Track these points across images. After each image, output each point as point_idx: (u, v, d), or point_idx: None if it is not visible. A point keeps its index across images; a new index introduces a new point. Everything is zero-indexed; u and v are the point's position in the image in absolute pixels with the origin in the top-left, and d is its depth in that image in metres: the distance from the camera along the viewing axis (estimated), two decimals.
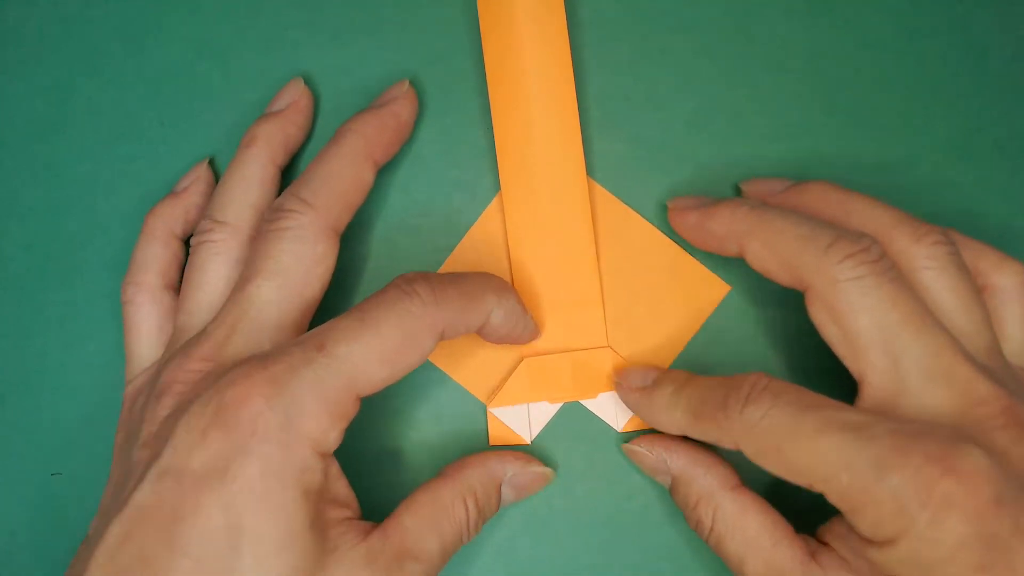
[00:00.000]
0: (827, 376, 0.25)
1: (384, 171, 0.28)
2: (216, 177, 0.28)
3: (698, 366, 0.27)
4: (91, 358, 0.28)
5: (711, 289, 0.27)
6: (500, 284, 0.24)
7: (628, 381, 0.26)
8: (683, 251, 0.27)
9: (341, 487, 0.22)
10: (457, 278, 0.23)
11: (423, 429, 0.27)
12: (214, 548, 0.19)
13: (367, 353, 0.21)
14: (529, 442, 0.27)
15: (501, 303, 0.23)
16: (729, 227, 0.24)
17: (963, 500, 0.18)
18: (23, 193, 0.28)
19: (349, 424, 0.21)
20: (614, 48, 0.28)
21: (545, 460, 0.27)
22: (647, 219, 0.27)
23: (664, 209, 0.27)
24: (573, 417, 0.27)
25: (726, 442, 0.22)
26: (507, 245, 0.27)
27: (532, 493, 0.26)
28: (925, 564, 0.18)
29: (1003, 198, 0.27)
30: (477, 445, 0.27)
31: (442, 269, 0.27)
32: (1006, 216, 0.27)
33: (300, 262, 0.23)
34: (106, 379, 0.28)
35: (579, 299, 0.27)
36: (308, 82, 0.28)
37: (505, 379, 0.27)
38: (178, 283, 0.27)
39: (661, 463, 0.25)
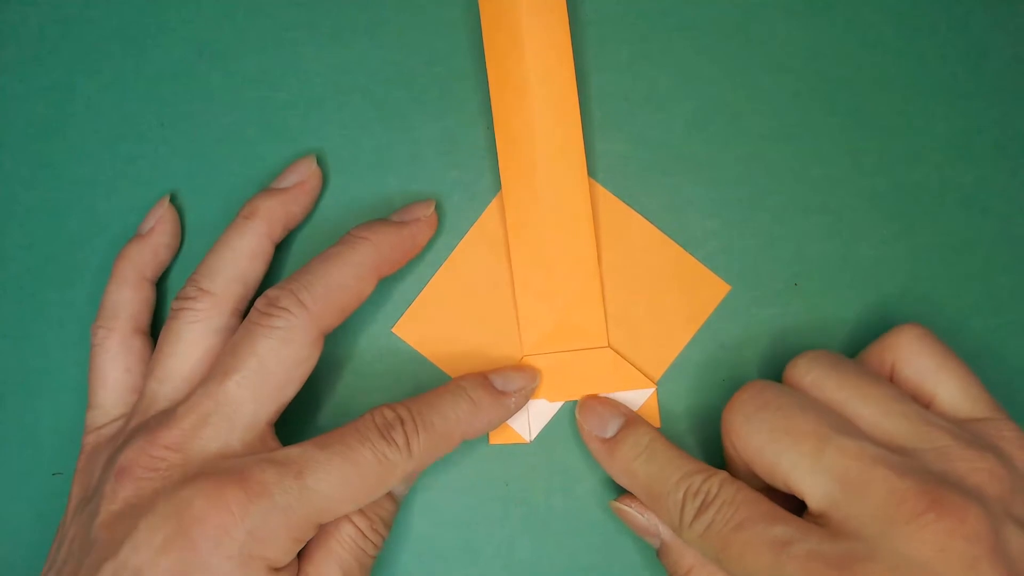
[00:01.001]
0: None
1: (385, 172, 0.28)
2: (180, 213, 0.28)
3: (698, 366, 0.27)
4: None
5: (711, 289, 0.27)
6: (470, 411, 0.24)
7: (589, 425, 0.26)
8: (683, 251, 0.27)
9: None
10: (430, 421, 0.23)
11: None
12: None
13: (341, 492, 0.22)
14: (529, 441, 0.27)
15: (473, 435, 0.24)
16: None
17: None
18: (23, 193, 0.29)
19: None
20: (614, 48, 0.28)
21: (545, 460, 0.27)
22: (647, 219, 0.27)
23: (665, 209, 0.27)
24: (573, 417, 0.27)
25: (674, 531, 0.23)
26: (507, 245, 0.27)
27: (414, 478, 0.25)
28: None
29: (1003, 198, 0.27)
30: (477, 444, 0.27)
31: (442, 269, 0.27)
32: (1006, 216, 0.27)
33: (282, 365, 0.23)
34: None
35: (579, 299, 0.27)
36: (308, 80, 0.28)
37: None
38: (149, 327, 0.26)
39: (653, 527, 0.24)
